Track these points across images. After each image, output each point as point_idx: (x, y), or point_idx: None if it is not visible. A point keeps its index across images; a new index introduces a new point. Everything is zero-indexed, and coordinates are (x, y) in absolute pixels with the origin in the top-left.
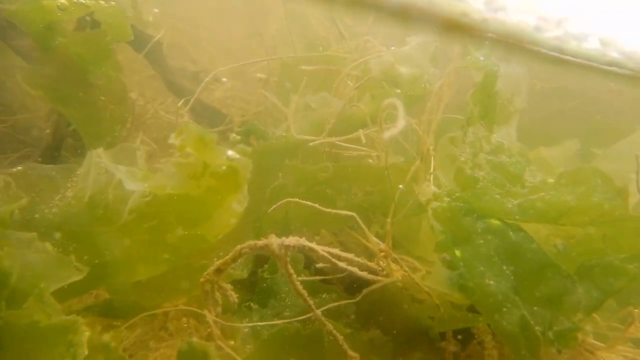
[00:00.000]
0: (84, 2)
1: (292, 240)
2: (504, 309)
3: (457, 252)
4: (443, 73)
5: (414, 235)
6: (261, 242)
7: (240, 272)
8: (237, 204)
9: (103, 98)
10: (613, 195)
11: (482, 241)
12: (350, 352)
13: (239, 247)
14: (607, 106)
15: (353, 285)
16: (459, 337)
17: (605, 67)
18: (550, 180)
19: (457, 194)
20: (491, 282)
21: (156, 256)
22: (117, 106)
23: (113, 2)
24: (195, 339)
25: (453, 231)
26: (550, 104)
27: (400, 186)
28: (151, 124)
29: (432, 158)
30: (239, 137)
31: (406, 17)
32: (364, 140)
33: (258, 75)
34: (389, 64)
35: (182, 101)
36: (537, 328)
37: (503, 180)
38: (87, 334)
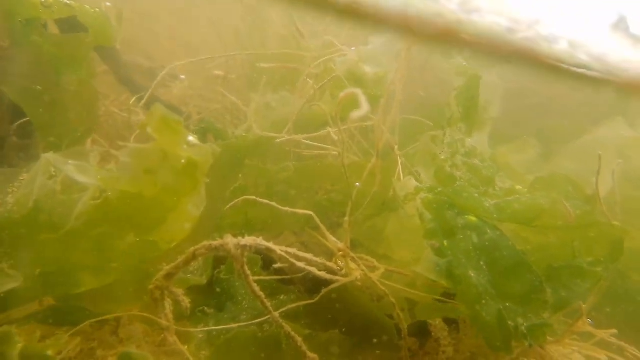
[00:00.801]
0: (68, 2)
1: (249, 240)
2: (483, 301)
3: (445, 242)
4: (407, 71)
5: (379, 234)
6: (217, 243)
7: (199, 277)
8: (194, 207)
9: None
10: (583, 202)
11: (462, 236)
12: (309, 354)
13: (192, 248)
14: (561, 105)
15: (315, 285)
16: (417, 334)
17: (574, 69)
18: (519, 187)
19: (439, 189)
20: (472, 274)
21: (104, 265)
22: (85, 109)
23: (97, 9)
24: (133, 350)
25: (439, 222)
26: (508, 102)
27: (357, 184)
28: (103, 121)
29: (398, 157)
30: (195, 136)
31: (380, 17)
32: (336, 138)
33: (215, 72)
34: (353, 63)
35: (135, 98)
36: (510, 323)
37: (477, 182)
38: (20, 345)
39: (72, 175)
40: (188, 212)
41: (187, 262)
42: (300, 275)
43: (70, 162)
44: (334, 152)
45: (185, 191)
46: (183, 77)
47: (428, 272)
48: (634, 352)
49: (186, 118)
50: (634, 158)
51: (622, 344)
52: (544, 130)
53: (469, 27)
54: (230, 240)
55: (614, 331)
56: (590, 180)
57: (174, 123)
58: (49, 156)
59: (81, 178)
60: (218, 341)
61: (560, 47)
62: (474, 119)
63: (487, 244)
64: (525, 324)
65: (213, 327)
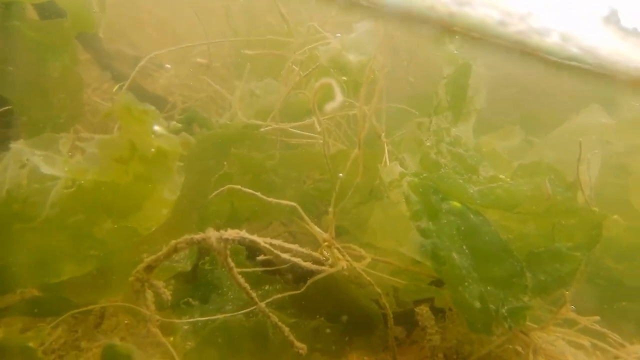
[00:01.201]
0: None
1: (231, 233)
2: (466, 283)
3: (430, 224)
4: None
5: (364, 222)
6: (198, 236)
7: (184, 264)
8: (169, 193)
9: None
10: (564, 189)
11: (445, 221)
12: (297, 343)
13: (174, 242)
14: (541, 94)
15: (304, 275)
16: (404, 323)
17: (566, 62)
18: (502, 175)
19: (425, 175)
20: (456, 257)
21: (83, 253)
22: (68, 96)
23: None
24: (117, 342)
25: (425, 205)
26: (491, 91)
27: (340, 175)
28: (86, 111)
29: (385, 144)
30: (179, 125)
31: (376, 11)
32: (319, 128)
33: (198, 60)
34: (336, 51)
35: (117, 86)
36: (490, 306)
37: (462, 170)
38: None
39: (39, 167)
40: (164, 198)
41: (168, 255)
42: (286, 266)
43: (37, 152)
44: (321, 141)
45: (158, 178)
46: (168, 66)
47: (413, 253)
48: (616, 338)
49: (171, 107)
50: (614, 144)
51: (605, 330)
52: (527, 118)
53: (461, 19)
54: (212, 234)
55: (597, 318)
56: (571, 167)
57: (138, 112)
58: (17, 145)
59: (48, 170)
60: (203, 332)
61: (552, 40)
62: (462, 107)
63: (470, 229)
64: (505, 307)
65: (198, 318)
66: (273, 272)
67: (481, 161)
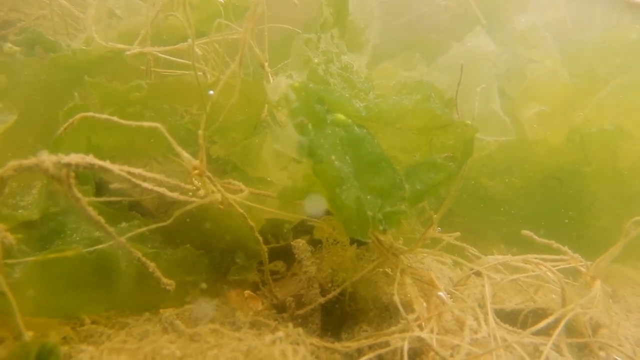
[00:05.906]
0: None
1: (74, 157)
2: (344, 187)
3: (310, 126)
4: None
5: (254, 156)
6: (29, 161)
7: (30, 212)
8: None
9: None
10: (443, 105)
11: (329, 131)
12: (165, 280)
13: None
14: (432, 21)
15: (166, 207)
16: (284, 257)
17: None
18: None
19: (311, 85)
20: (336, 162)
21: None
22: None
23: None
24: None
25: (307, 110)
26: (385, 19)
27: (211, 92)
28: None
29: (269, 74)
30: (16, 48)
31: None
32: (200, 53)
33: None
34: None
35: None
36: (368, 213)
37: (351, 92)
38: None
39: None
40: None
41: None
42: (147, 197)
43: None
44: (199, 72)
45: None
46: None
47: (289, 149)
48: (473, 251)
49: (4, 25)
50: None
51: (465, 245)
52: (416, 45)
53: None
54: (47, 158)
55: (457, 234)
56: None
57: None
58: None
59: None
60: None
61: None
62: (345, 21)
63: (353, 140)
64: (383, 211)
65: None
66: (135, 206)
67: (371, 89)
